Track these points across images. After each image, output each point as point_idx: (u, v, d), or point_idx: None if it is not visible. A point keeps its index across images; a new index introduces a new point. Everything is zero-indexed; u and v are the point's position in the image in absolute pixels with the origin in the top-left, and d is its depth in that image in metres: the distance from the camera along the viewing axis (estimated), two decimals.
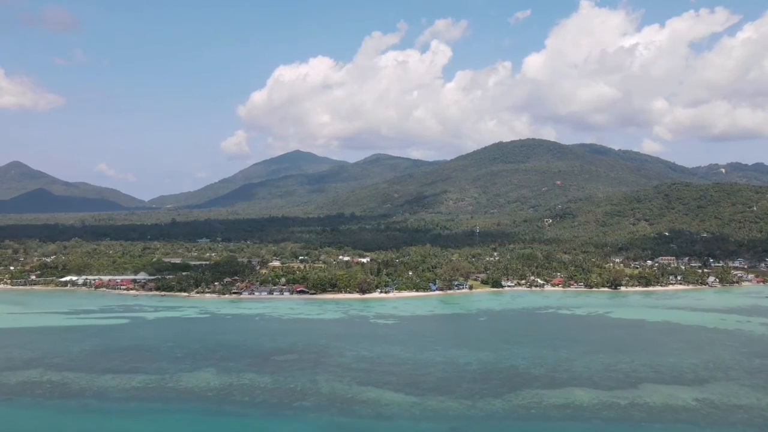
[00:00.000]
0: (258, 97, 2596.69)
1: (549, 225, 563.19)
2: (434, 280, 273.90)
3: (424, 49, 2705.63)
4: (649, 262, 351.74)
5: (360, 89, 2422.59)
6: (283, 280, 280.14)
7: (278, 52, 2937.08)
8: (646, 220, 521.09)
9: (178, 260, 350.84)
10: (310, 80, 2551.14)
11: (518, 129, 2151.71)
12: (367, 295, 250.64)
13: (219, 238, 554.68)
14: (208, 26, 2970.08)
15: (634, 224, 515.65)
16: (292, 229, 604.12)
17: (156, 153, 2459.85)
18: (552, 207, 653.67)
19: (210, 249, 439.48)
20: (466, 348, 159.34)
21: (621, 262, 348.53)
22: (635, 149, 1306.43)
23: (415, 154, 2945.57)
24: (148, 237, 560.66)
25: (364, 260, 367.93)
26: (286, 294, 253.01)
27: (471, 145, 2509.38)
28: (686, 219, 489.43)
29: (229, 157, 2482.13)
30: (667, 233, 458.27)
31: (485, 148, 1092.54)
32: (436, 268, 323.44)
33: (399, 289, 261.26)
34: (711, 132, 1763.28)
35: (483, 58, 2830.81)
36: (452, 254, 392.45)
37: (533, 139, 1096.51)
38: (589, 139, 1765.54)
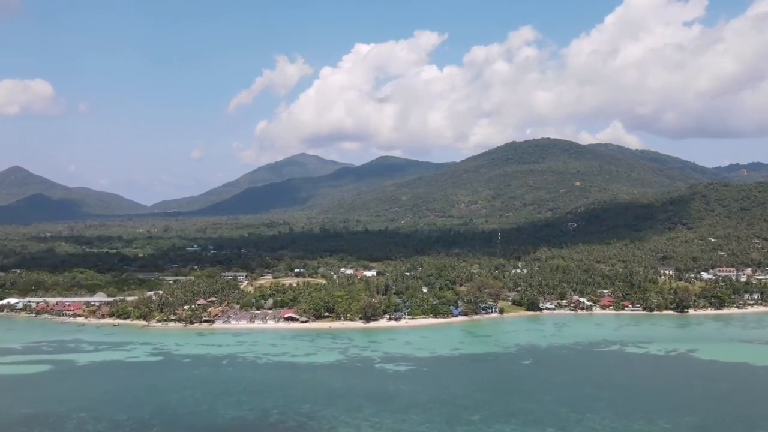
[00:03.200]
0: (260, 98, 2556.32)
1: (574, 229, 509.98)
2: (456, 302, 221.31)
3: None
4: (705, 275, 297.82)
5: (365, 90, 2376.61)
6: (269, 302, 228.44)
7: (279, 50, 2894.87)
8: (683, 224, 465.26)
9: (152, 276, 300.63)
10: (314, 80, 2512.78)
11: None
12: (372, 324, 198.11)
13: (211, 247, 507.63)
14: (212, 29, 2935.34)
15: (670, 228, 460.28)
16: (292, 236, 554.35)
17: (160, 157, 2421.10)
18: (574, 210, 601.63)
19: (196, 260, 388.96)
20: (516, 420, 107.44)
21: (672, 275, 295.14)
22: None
23: (424, 155, 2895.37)
24: (134, 246, 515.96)
25: (370, 273, 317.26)
26: (271, 322, 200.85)
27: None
28: (731, 223, 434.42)
29: (232, 162, 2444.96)
30: (712, 239, 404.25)
31: (497, 148, 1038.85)
32: (455, 283, 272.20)
33: (413, 314, 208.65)
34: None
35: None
36: (471, 264, 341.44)
37: (547, 139, 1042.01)
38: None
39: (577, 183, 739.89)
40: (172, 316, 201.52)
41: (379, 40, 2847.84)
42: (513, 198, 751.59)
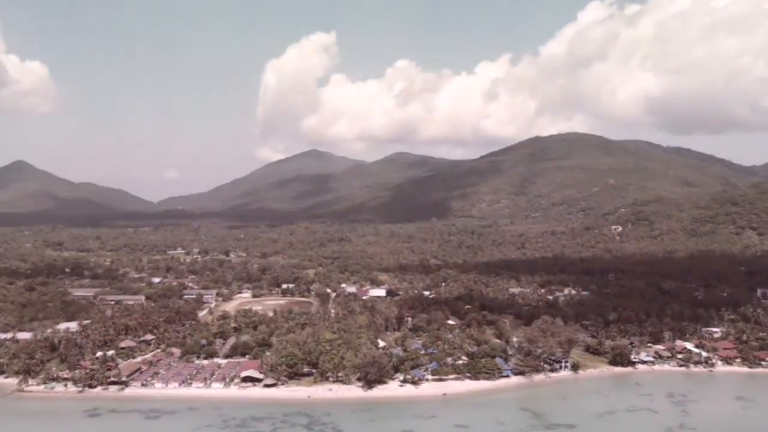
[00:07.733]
0: (269, 94, 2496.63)
1: (619, 234, 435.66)
2: (504, 350, 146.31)
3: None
4: None
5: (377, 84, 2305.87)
6: (229, 343, 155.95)
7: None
8: (753, 229, 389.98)
9: (91, 293, 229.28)
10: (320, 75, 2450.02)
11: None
12: (377, 392, 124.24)
13: (197, 250, 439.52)
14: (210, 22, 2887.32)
15: (737, 233, 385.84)
16: (291, 240, 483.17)
17: (167, 153, 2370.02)
18: (613, 211, 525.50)
19: (169, 269, 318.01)
20: None
21: None
22: None
23: (440, 152, 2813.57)
24: (109, 249, 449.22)
25: (378, 292, 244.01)
26: (218, 385, 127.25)
27: None
28: None
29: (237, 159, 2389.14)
30: None
31: (520, 143, 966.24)
32: (493, 311, 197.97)
33: (440, 372, 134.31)
34: None
35: None
36: (508, 280, 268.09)
37: (575, 133, 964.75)
38: None
39: (611, 181, 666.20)
40: (63, 373, 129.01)
41: None
42: (539, 197, 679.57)
